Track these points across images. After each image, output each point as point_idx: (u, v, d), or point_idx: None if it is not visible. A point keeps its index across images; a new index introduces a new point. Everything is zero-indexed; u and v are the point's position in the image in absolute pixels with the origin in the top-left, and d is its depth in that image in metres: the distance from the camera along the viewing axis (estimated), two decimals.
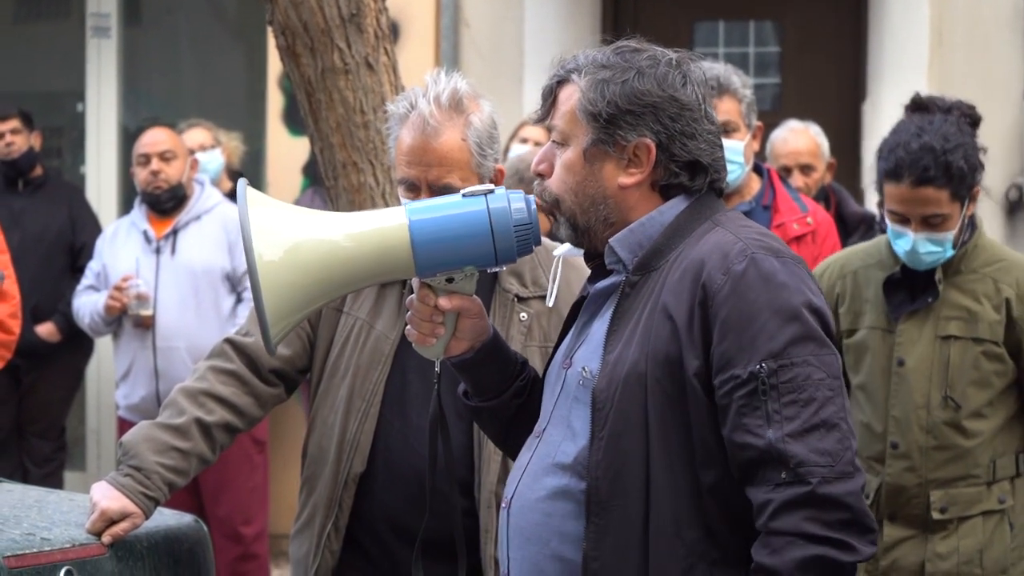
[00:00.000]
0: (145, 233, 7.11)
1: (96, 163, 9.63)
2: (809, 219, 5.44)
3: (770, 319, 2.70)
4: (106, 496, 3.63)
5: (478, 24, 8.79)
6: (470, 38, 8.79)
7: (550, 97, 2.96)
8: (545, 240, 3.63)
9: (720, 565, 2.76)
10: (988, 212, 8.10)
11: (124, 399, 7.12)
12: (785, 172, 6.85)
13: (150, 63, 10.16)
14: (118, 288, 6.97)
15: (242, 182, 2.86)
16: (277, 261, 2.78)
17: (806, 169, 7.17)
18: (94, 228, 8.19)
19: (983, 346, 4.20)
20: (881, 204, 4.36)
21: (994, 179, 8.12)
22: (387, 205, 4.64)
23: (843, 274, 4.39)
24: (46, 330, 8.02)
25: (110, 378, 8.28)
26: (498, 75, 8.58)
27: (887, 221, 4.23)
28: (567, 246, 2.99)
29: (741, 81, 5.37)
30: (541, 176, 2.97)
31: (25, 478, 7.88)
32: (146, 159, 7.14)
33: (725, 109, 5.28)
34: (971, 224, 4.26)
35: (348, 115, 4.79)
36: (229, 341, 3.86)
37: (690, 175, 2.90)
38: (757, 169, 5.51)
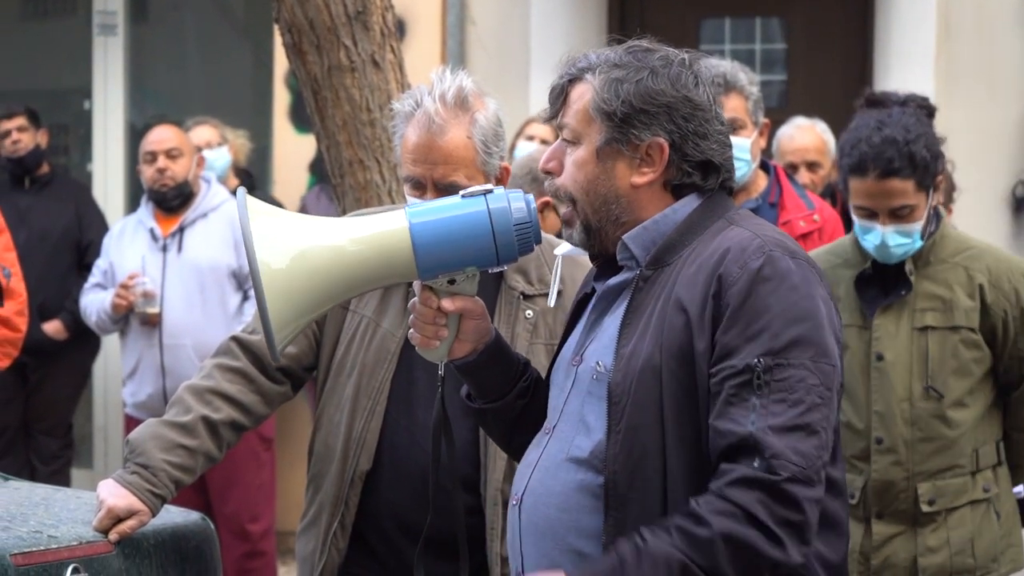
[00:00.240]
0: (152, 231, 7.12)
1: (103, 161, 9.63)
2: (816, 216, 5.43)
3: (776, 318, 2.72)
4: (113, 494, 3.63)
5: (484, 21, 8.79)
6: (476, 35, 8.78)
7: (561, 95, 2.96)
8: (549, 237, 3.64)
9: None
10: (994, 208, 8.10)
11: (131, 396, 7.13)
12: (792, 169, 6.85)
13: (157, 61, 10.17)
14: (124, 286, 6.97)
15: (241, 191, 2.86)
16: (279, 269, 2.78)
17: (813, 166, 7.17)
18: (101, 226, 8.20)
19: (960, 334, 4.22)
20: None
21: (1000, 174, 8.14)
22: (393, 203, 4.65)
23: None
24: (53, 328, 8.03)
25: (117, 376, 8.29)
26: (504, 72, 8.57)
27: (854, 217, 4.26)
28: (568, 244, 2.99)
29: (747, 78, 5.36)
30: (549, 174, 2.98)
31: (32, 476, 7.89)
32: (153, 157, 7.15)
33: (732, 106, 5.28)
34: (936, 214, 4.29)
35: (354, 113, 4.79)
36: (235, 339, 3.86)
37: (702, 175, 2.91)
38: (764, 166, 5.51)
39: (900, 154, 4.12)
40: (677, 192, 2.92)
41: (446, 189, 3.56)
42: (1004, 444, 4.35)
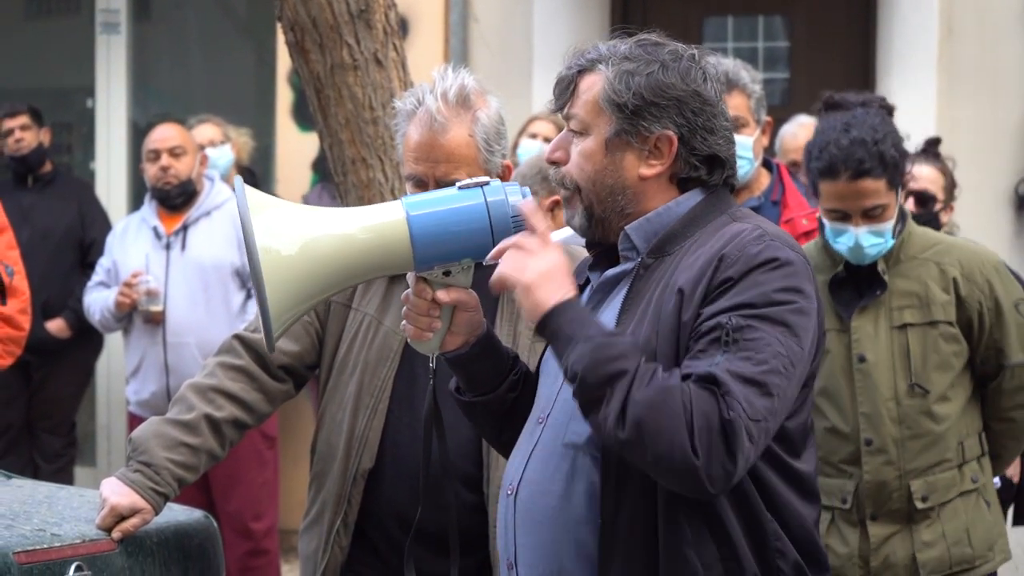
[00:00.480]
0: (155, 229, 7.12)
1: (106, 159, 9.64)
2: (818, 214, 5.43)
3: (762, 294, 2.75)
4: (116, 492, 3.64)
5: (487, 19, 8.80)
6: (479, 33, 8.79)
7: (570, 86, 2.97)
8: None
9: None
10: (995, 207, 8.10)
11: (134, 395, 7.14)
12: (794, 167, 6.84)
13: (159, 59, 10.17)
14: (128, 284, 6.98)
15: (238, 180, 2.87)
16: (278, 257, 2.79)
17: None
18: (103, 224, 8.21)
19: (939, 328, 4.25)
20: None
21: (1003, 173, 8.14)
22: None
23: None
24: (56, 326, 8.04)
25: (120, 374, 8.30)
26: (507, 70, 8.57)
27: (825, 221, 4.27)
28: (566, 232, 3.00)
29: (750, 76, 5.36)
30: (555, 164, 2.99)
31: (35, 474, 7.89)
32: (156, 155, 7.15)
33: (734, 104, 5.28)
34: (902, 213, 4.29)
35: (357, 111, 4.80)
36: (238, 337, 3.86)
37: (708, 169, 2.94)
38: (766, 164, 5.51)
39: (870, 154, 4.13)
40: (683, 185, 2.95)
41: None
42: (985, 435, 4.38)
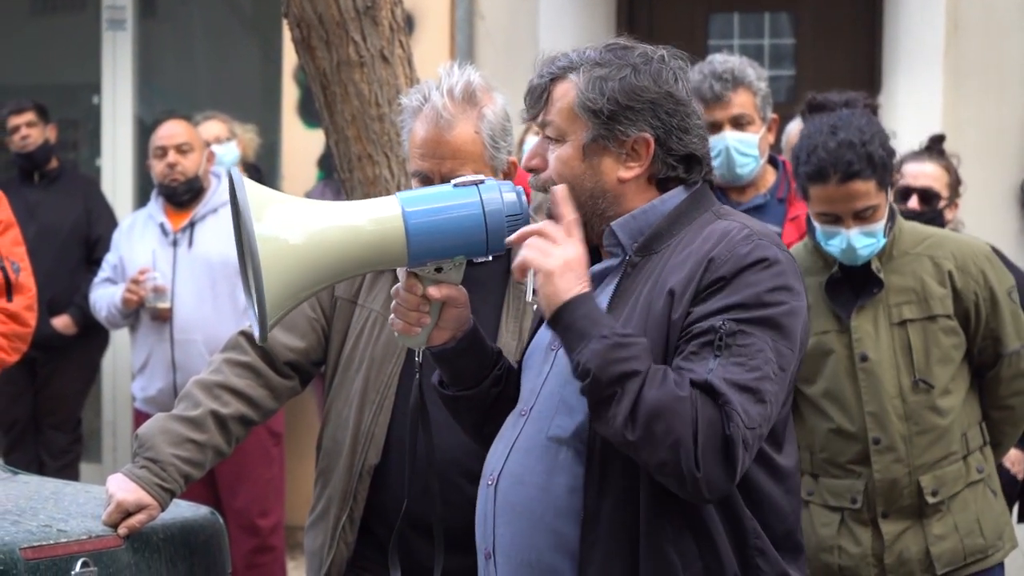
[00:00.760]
0: (162, 226, 7.12)
1: (111, 156, 9.65)
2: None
3: (752, 296, 2.80)
4: (122, 488, 3.64)
5: (493, 16, 8.79)
6: (485, 30, 8.78)
7: (543, 94, 3.01)
8: None
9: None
10: (1001, 204, 8.09)
11: (141, 391, 7.14)
12: None
13: (165, 56, 10.18)
14: (135, 281, 6.98)
15: (234, 170, 2.89)
16: (275, 247, 2.81)
17: None
18: (109, 221, 8.21)
19: (939, 322, 4.25)
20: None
21: (1008, 170, 8.13)
22: None
23: None
24: (62, 323, 8.05)
25: (126, 370, 8.31)
26: (513, 67, 8.55)
27: (815, 224, 4.26)
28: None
29: (756, 74, 5.35)
30: (533, 171, 3.03)
31: (41, 470, 7.91)
32: (163, 152, 7.15)
33: (740, 102, 5.28)
34: (891, 210, 4.29)
35: (363, 108, 4.79)
36: (244, 334, 3.87)
37: (686, 168, 3.00)
38: (772, 162, 5.50)
39: (858, 156, 4.11)
40: (662, 186, 3.01)
41: None
42: (985, 424, 4.39)
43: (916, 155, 5.71)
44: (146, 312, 7.02)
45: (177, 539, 3.81)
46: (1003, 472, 5.31)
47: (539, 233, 2.88)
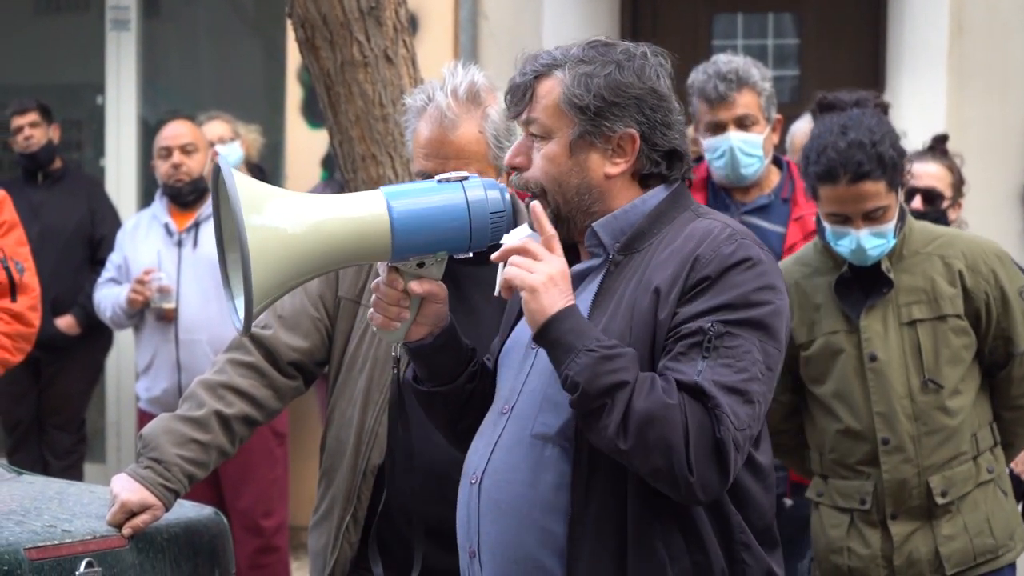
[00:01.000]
0: (167, 226, 7.13)
1: (115, 156, 9.65)
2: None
3: (739, 296, 2.84)
4: (126, 488, 3.65)
5: (496, 16, 8.79)
6: (488, 31, 8.78)
7: (527, 92, 3.03)
8: None
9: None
10: (1004, 204, 8.09)
11: (146, 392, 7.14)
12: None
13: (169, 56, 10.18)
14: (140, 281, 6.98)
15: (221, 159, 2.89)
16: (262, 238, 2.82)
17: None
18: (113, 221, 8.22)
19: (949, 322, 4.23)
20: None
21: (1012, 170, 8.13)
22: None
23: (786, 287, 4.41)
24: (66, 323, 8.05)
25: (130, 370, 8.31)
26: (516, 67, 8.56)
27: (825, 224, 4.25)
28: (524, 231, 3.03)
29: (760, 74, 5.35)
30: (516, 169, 3.05)
31: (45, 470, 7.91)
32: (168, 152, 7.16)
33: (744, 102, 5.28)
34: (901, 210, 4.28)
35: (367, 108, 4.80)
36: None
37: (668, 164, 3.03)
38: (776, 162, 5.50)
39: (868, 157, 4.09)
40: (644, 182, 3.03)
41: None
42: (996, 425, 4.38)
43: (919, 155, 5.70)
44: (151, 312, 7.02)
45: (181, 539, 3.81)
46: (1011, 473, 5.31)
47: (521, 250, 2.90)
